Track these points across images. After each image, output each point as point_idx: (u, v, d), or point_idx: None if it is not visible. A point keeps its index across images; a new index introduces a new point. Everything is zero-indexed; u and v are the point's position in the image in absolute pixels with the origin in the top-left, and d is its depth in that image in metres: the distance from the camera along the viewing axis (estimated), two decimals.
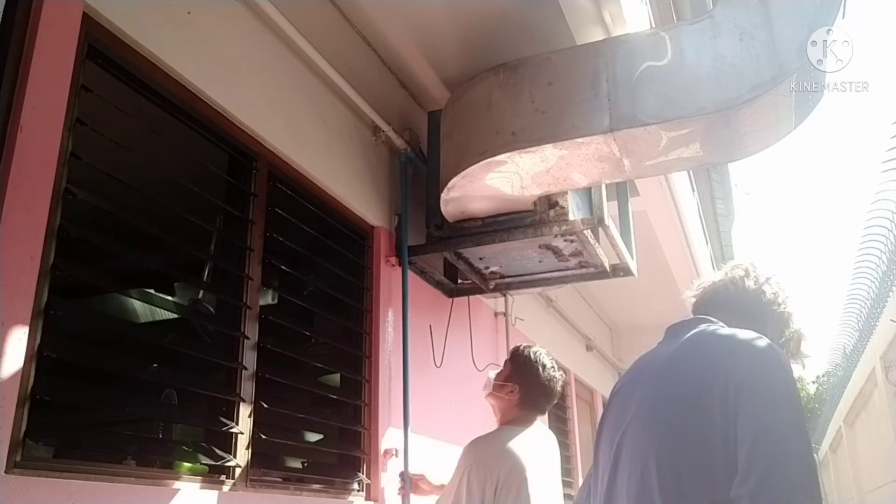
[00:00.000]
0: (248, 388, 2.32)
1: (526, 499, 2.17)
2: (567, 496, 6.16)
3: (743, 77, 2.26)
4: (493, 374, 2.50)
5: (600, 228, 3.21)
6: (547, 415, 5.59)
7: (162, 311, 3.42)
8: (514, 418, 2.37)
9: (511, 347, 2.50)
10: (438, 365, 3.60)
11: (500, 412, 2.43)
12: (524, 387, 2.39)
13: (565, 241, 3.21)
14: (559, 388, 2.44)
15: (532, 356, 2.43)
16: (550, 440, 2.47)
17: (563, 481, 6.29)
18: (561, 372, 2.46)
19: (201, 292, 3.20)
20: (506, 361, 2.49)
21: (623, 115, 2.39)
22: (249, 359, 2.35)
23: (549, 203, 3.00)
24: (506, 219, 3.10)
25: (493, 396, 2.43)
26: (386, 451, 2.99)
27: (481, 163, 2.64)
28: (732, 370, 1.27)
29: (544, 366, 2.41)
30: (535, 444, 2.34)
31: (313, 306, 2.93)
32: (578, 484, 6.29)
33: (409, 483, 2.80)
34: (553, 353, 6.34)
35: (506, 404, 2.40)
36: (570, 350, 6.70)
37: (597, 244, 3.32)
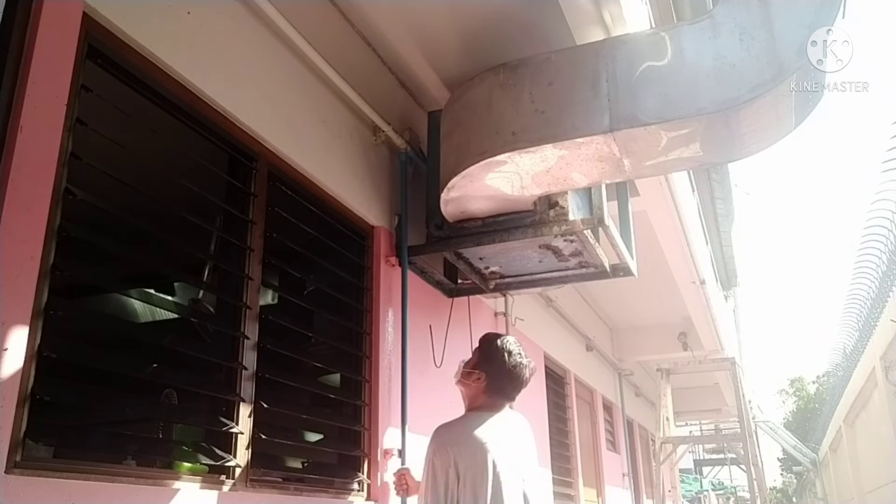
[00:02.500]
0: (248, 388, 2.32)
1: (493, 481, 2.16)
2: (566, 496, 6.14)
3: (743, 77, 2.26)
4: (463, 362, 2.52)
5: (600, 228, 3.21)
6: (549, 411, 5.60)
7: (162, 311, 3.42)
8: (481, 405, 2.39)
9: (479, 342, 2.50)
10: (438, 365, 3.60)
11: (468, 399, 2.45)
12: (491, 374, 2.40)
13: (565, 241, 3.21)
14: (527, 375, 2.44)
15: (499, 344, 2.44)
16: (522, 424, 2.46)
17: (563, 481, 6.29)
18: (529, 359, 2.46)
19: (201, 292, 3.20)
20: (474, 350, 2.50)
21: (623, 115, 2.38)
22: (249, 359, 2.35)
23: (549, 203, 3.00)
24: (506, 219, 3.10)
25: (462, 384, 2.45)
26: (386, 451, 2.99)
27: (481, 163, 2.64)
28: None
29: (510, 353, 2.41)
30: (504, 428, 2.34)
31: (313, 306, 2.93)
32: (578, 483, 6.29)
33: (397, 479, 2.78)
34: (553, 353, 6.32)
35: (473, 391, 2.42)
36: (570, 350, 6.69)
37: (597, 244, 3.32)
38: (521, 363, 2.41)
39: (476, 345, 2.52)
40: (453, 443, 2.23)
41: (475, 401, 2.41)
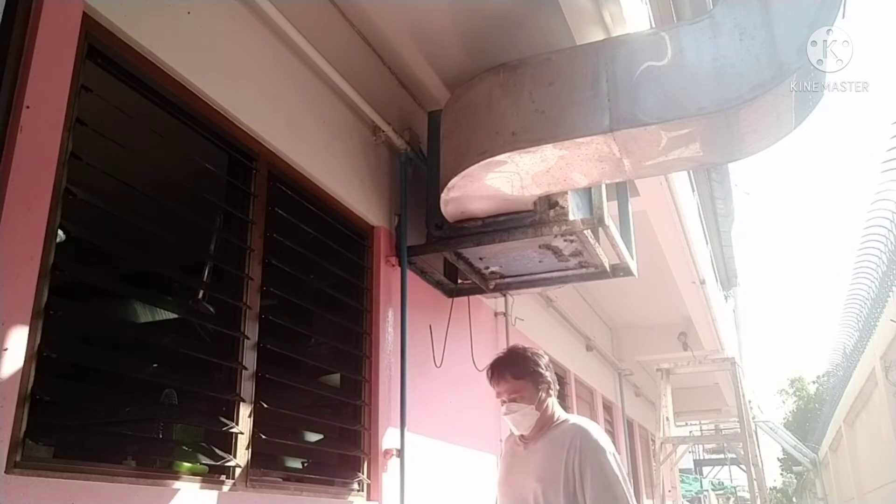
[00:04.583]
0: (248, 388, 2.32)
1: None
2: None
3: (743, 77, 2.26)
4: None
5: (600, 228, 3.21)
6: None
7: (162, 311, 3.41)
8: (563, 407, 2.34)
9: (513, 373, 2.28)
10: (438, 365, 3.60)
11: (549, 414, 2.29)
12: (551, 377, 2.34)
13: (565, 241, 3.21)
14: None
15: (525, 352, 2.34)
16: None
17: None
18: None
19: (201, 292, 3.20)
20: (518, 379, 2.26)
21: (623, 115, 2.39)
22: (249, 359, 2.35)
23: (549, 203, 3.00)
24: (506, 219, 3.10)
25: (539, 406, 2.27)
26: (386, 451, 2.98)
27: (481, 163, 2.64)
28: None
29: (537, 354, 2.34)
30: None
31: (313, 306, 2.93)
32: None
33: None
34: (553, 353, 6.33)
35: (546, 404, 2.29)
36: (570, 350, 6.69)
37: (597, 244, 3.32)
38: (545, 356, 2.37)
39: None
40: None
41: (554, 409, 2.31)
